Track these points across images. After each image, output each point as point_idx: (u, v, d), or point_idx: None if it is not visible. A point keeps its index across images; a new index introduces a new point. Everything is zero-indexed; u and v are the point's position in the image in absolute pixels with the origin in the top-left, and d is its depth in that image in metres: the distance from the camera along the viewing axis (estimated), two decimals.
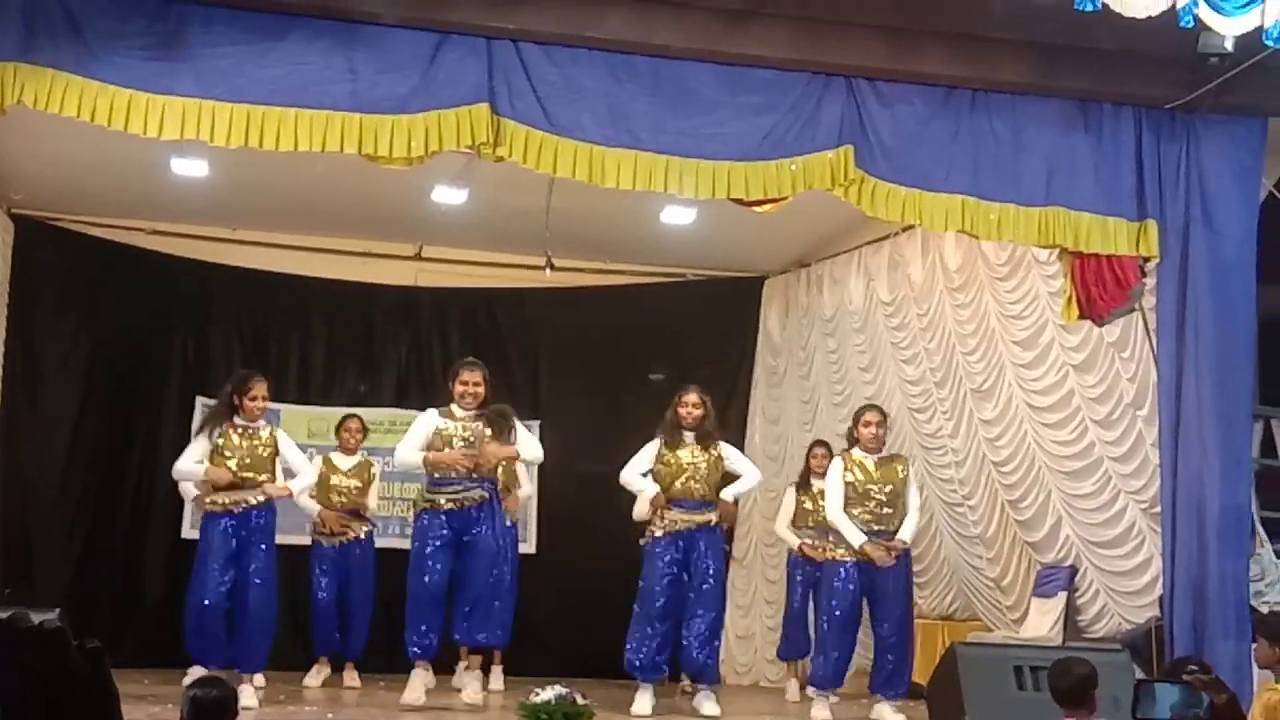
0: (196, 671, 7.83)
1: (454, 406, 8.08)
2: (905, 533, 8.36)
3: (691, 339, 11.38)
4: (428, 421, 8.07)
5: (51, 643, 1.25)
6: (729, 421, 11.66)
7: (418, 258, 11.19)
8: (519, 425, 8.23)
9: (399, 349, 11.27)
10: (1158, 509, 7.69)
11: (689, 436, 8.37)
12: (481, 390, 8.05)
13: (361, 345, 11.27)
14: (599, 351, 11.24)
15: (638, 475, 8.36)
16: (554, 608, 10.41)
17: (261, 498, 8.19)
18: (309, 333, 11.21)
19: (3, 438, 10.00)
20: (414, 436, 8.05)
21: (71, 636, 1.27)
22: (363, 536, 9.50)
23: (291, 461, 8.50)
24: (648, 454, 8.37)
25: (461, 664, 8.70)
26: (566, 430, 10.99)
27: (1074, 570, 8.87)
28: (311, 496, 9.33)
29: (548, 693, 7.01)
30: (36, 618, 1.27)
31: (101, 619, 9.87)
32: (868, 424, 8.52)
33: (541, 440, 11.11)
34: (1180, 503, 7.19)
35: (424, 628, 7.93)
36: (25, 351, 10.28)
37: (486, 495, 8.00)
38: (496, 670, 9.33)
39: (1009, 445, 9.24)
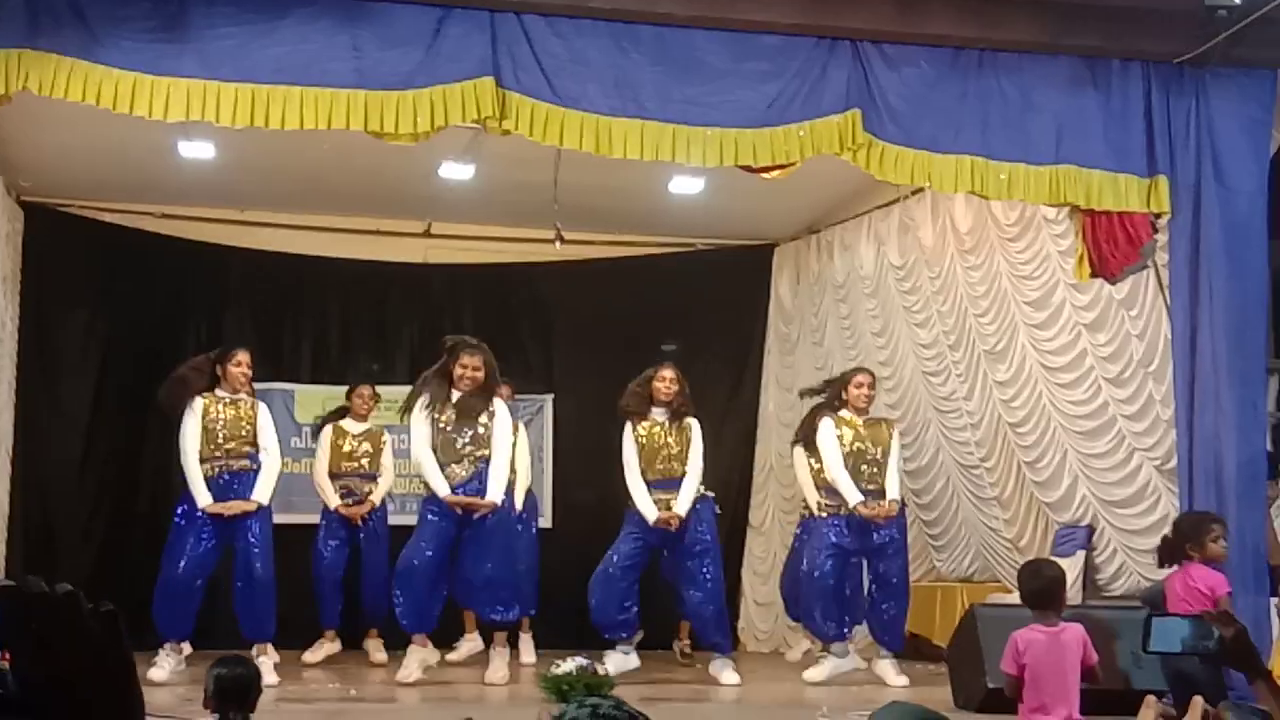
0: (168, 650, 7.83)
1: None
2: (893, 490, 8.29)
3: (703, 309, 11.35)
4: (424, 418, 7.80)
5: (64, 608, 1.23)
6: (743, 390, 11.71)
7: (427, 234, 11.18)
8: (496, 423, 7.85)
9: (411, 326, 11.24)
10: (1171, 465, 7.68)
11: (659, 413, 8.22)
12: (481, 375, 7.79)
13: (374, 323, 11.26)
14: (610, 324, 11.21)
15: (647, 498, 8.06)
16: (571, 581, 10.40)
17: (245, 463, 8.02)
18: (321, 312, 11.21)
19: (20, 428, 10.00)
20: (421, 436, 7.78)
21: (85, 602, 1.25)
22: (377, 504, 9.38)
23: (264, 442, 8.11)
24: (631, 448, 8.17)
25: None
26: (580, 403, 10.98)
27: (1091, 529, 8.88)
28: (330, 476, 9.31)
29: (569, 664, 7.03)
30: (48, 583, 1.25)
31: (122, 607, 9.80)
32: (860, 385, 8.41)
33: (555, 414, 11.26)
34: (1196, 459, 7.18)
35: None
36: (40, 340, 10.28)
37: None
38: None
39: (1024, 406, 9.23)
